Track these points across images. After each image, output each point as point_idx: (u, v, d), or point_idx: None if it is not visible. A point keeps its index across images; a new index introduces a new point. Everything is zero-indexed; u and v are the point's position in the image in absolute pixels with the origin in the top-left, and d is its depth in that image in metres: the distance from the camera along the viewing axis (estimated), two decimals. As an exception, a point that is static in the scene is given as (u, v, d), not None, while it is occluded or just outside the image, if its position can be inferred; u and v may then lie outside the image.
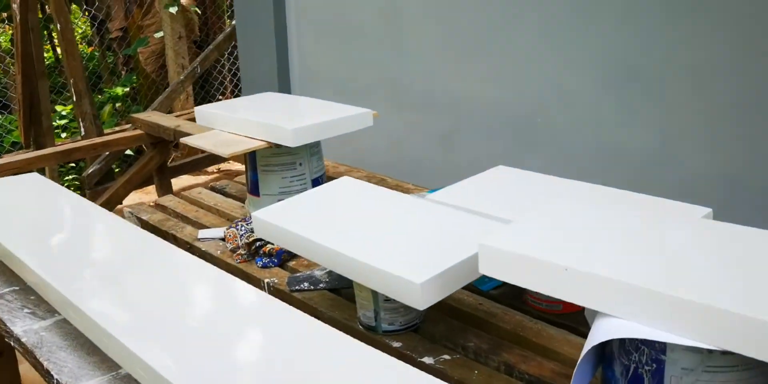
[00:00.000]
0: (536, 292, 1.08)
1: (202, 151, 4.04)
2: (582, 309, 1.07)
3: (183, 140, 1.49)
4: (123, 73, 6.06)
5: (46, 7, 4.17)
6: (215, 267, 1.09)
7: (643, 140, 1.70)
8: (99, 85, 5.65)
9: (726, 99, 1.55)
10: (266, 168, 1.48)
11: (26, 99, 3.31)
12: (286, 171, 1.48)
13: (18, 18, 3.01)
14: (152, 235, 1.23)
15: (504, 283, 1.19)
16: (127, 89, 5.60)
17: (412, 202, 1.11)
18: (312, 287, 1.22)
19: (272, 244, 1.35)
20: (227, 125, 1.50)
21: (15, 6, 2.97)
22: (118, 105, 5.48)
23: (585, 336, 0.75)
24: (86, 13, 5.31)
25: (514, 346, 1.01)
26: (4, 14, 4.89)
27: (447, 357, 1.00)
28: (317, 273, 1.25)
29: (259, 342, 0.86)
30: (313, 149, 1.50)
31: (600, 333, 0.67)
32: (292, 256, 1.36)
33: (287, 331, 0.86)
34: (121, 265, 1.11)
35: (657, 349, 0.67)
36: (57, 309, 1.03)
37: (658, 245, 0.74)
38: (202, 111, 1.55)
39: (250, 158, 1.51)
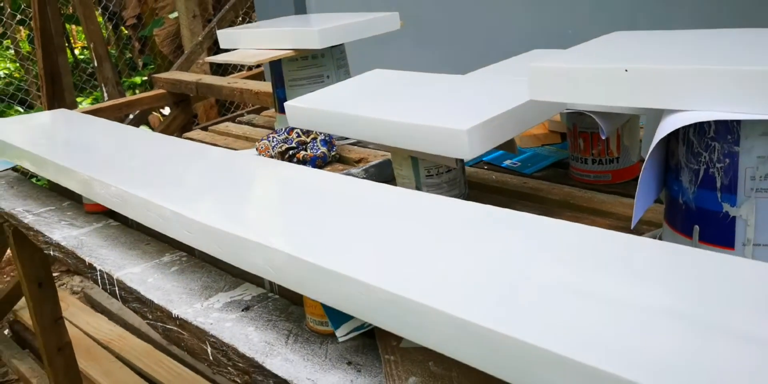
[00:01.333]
0: (582, 165, 1.04)
1: (227, 113, 4.03)
2: (634, 177, 1.03)
3: (208, 59, 1.47)
4: (140, 63, 6.09)
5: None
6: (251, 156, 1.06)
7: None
8: (120, 79, 5.69)
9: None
10: (293, 83, 1.45)
11: (47, 74, 3.32)
12: (314, 85, 1.45)
13: (34, -10, 3.01)
14: (193, 143, 1.20)
15: (547, 166, 1.16)
16: (145, 77, 5.63)
17: (448, 78, 1.07)
18: (350, 184, 1.19)
19: (305, 150, 1.33)
20: (251, 42, 1.47)
21: (30, -23, 2.97)
22: (138, 92, 5.51)
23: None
24: (101, 10, 5.33)
25: (565, 210, 0.97)
26: (19, 16, 4.92)
27: (496, 224, 0.96)
28: (353, 171, 1.22)
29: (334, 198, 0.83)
30: (339, 62, 1.47)
31: (667, 127, 0.63)
32: (326, 162, 1.33)
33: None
34: (170, 162, 1.07)
35: (730, 142, 0.62)
36: (106, 203, 0.99)
37: (704, 43, 0.70)
38: (224, 32, 1.53)
39: (277, 75, 1.48)
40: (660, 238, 0.75)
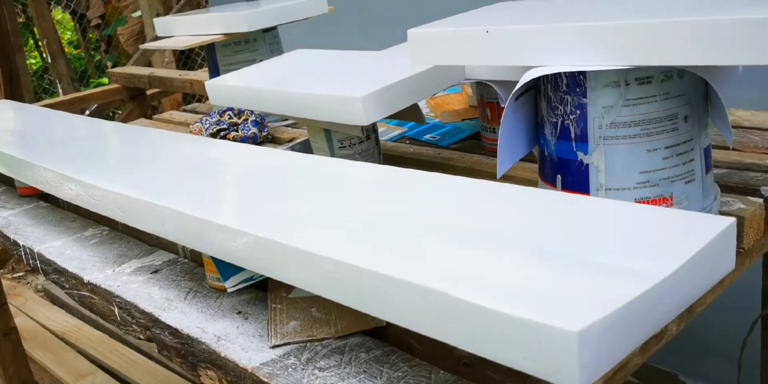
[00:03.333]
0: (491, 134, 1.10)
1: (184, 104, 4.04)
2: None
3: (142, 46, 1.50)
4: (109, 64, 6.08)
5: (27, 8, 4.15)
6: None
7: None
8: (86, 79, 5.69)
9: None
10: (228, 67, 1.49)
11: (5, 74, 3.32)
12: (247, 69, 1.49)
13: (-13, -11, 3.01)
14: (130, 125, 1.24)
15: (464, 139, 1.21)
16: (113, 76, 5.62)
17: (365, 54, 1.12)
18: (276, 161, 1.23)
19: (236, 131, 1.37)
20: (185, 29, 1.50)
21: (-17, -23, 2.98)
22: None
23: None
24: (70, 14, 5.32)
25: (468, 176, 1.02)
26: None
27: (404, 191, 1.01)
28: (279, 149, 1.26)
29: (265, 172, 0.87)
30: (273, 47, 1.51)
31: (522, 81, 0.68)
32: (257, 142, 1.37)
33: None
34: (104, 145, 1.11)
35: (579, 94, 0.68)
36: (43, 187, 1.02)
37: (570, 6, 0.75)
38: (160, 21, 1.56)
39: (212, 61, 1.52)
40: (536, 192, 0.80)
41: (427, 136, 1.24)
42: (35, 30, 5.91)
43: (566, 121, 0.69)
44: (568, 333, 0.35)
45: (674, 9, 0.63)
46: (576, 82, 0.67)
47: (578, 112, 0.68)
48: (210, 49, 1.50)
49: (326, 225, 0.61)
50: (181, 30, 1.52)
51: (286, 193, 0.73)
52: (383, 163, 1.10)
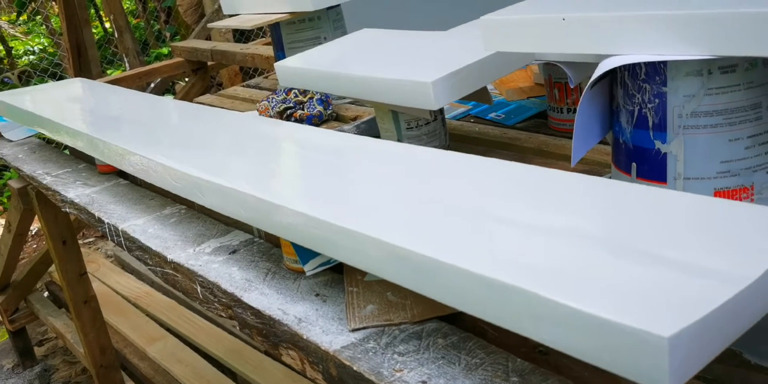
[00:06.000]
0: (558, 114, 1.09)
1: (247, 78, 4.10)
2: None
3: (210, 24, 1.53)
4: (167, 34, 6.18)
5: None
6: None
7: None
8: (147, 50, 5.80)
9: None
10: (292, 45, 1.51)
11: (73, 47, 3.42)
12: (311, 47, 1.49)
13: (54, -36, 3.08)
14: (198, 105, 1.27)
15: (529, 117, 1.20)
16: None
17: (430, 34, 1.12)
18: (342, 140, 1.25)
19: (302, 109, 1.39)
20: (251, 7, 1.52)
21: (50, -48, 3.04)
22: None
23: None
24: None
25: (536, 157, 1.02)
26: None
27: (471, 172, 1.02)
28: (345, 127, 1.28)
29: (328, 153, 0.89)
30: (336, 23, 1.51)
31: (599, 70, 0.67)
32: (322, 120, 1.40)
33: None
34: (179, 123, 1.14)
35: (658, 83, 0.67)
36: (118, 164, 1.06)
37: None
38: (226, -1, 1.58)
39: (277, 39, 1.53)
40: (609, 178, 0.80)
41: (492, 115, 1.24)
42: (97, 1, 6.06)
43: (644, 110, 0.69)
44: (658, 338, 0.36)
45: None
46: (656, 70, 0.66)
47: (657, 100, 0.67)
48: (274, 27, 1.51)
49: (404, 216, 0.63)
50: (246, 8, 1.54)
51: (361, 181, 0.74)
52: (449, 143, 1.11)
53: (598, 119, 0.74)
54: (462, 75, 0.90)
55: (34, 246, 3.55)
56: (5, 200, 3.95)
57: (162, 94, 3.80)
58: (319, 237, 0.64)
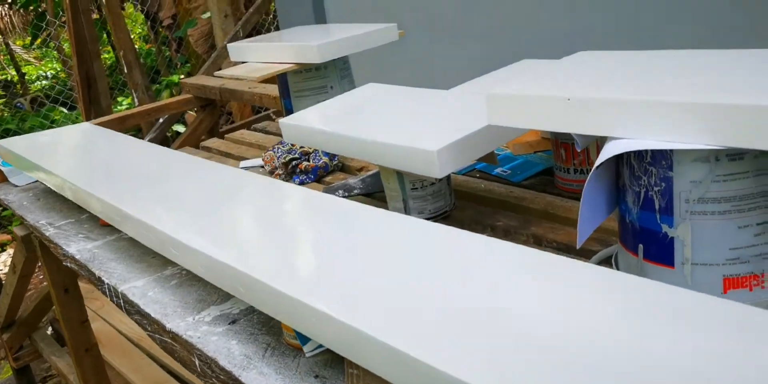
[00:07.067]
0: (565, 174, 1.08)
1: (255, 113, 4.12)
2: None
3: (217, 73, 1.53)
4: (178, 63, 6.24)
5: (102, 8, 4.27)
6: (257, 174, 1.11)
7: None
8: (158, 78, 5.86)
9: None
10: (299, 94, 1.51)
11: (83, 80, 3.45)
12: (318, 95, 1.50)
13: (68, 0, 3.13)
14: (209, 161, 1.26)
15: (536, 174, 1.19)
16: (183, 76, 5.77)
17: (433, 94, 1.11)
18: (347, 194, 1.24)
19: (308, 161, 1.38)
20: (258, 56, 1.53)
21: (63, -12, 3.09)
22: (174, 91, 5.66)
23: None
24: (140, 8, 5.49)
25: (543, 221, 1.01)
26: (65, 18, 5.10)
27: (476, 236, 1.00)
28: (351, 181, 1.27)
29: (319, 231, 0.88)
30: (343, 72, 1.52)
31: (605, 154, 0.66)
32: (328, 172, 1.39)
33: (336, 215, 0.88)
34: (178, 181, 1.12)
35: (664, 167, 0.65)
36: (121, 228, 1.06)
37: (658, 71, 0.72)
38: (234, 46, 1.59)
39: (284, 86, 1.54)
40: (615, 255, 0.78)
41: (499, 170, 1.23)
42: (108, 27, 6.13)
43: (650, 192, 0.67)
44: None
45: (762, 84, 0.61)
46: (662, 154, 0.65)
47: (663, 184, 0.66)
48: (281, 75, 1.51)
49: (399, 308, 0.61)
50: (254, 56, 1.54)
51: (356, 264, 0.72)
52: (454, 202, 1.10)
53: (604, 197, 0.73)
54: (467, 142, 0.89)
55: (41, 277, 3.55)
56: (12, 229, 3.95)
57: (172, 125, 3.81)
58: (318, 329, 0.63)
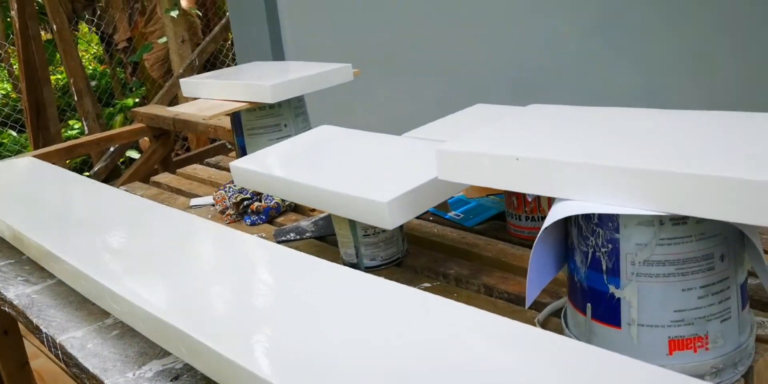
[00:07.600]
0: (516, 221, 1.08)
1: (209, 143, 4.07)
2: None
3: (170, 109, 1.51)
4: (134, 87, 6.16)
5: (53, 26, 4.21)
6: (206, 220, 1.09)
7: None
8: (112, 100, 5.76)
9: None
10: (252, 132, 1.49)
11: (32, 106, 3.37)
12: (271, 133, 1.49)
13: (17, 25, 3.06)
14: (149, 201, 1.22)
15: (489, 219, 1.19)
16: (137, 99, 5.69)
17: (385, 139, 1.11)
18: (298, 237, 1.23)
19: (260, 201, 1.36)
20: (211, 92, 1.51)
21: (14, 13, 3.03)
22: (128, 115, 5.57)
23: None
24: (94, 30, 5.42)
25: (495, 270, 1.00)
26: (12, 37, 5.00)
27: (427, 285, 1.00)
28: (303, 223, 1.26)
29: (259, 278, 0.86)
30: (297, 110, 1.51)
31: (553, 215, 0.66)
32: (280, 212, 1.37)
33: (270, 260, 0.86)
34: (116, 224, 1.10)
35: (611, 229, 0.66)
36: (57, 275, 1.03)
37: (606, 132, 0.73)
38: (186, 82, 1.57)
39: (237, 123, 1.52)
40: (565, 310, 0.78)
41: (452, 214, 1.23)
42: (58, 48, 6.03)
43: (597, 253, 0.68)
44: None
45: (710, 153, 0.62)
46: (609, 216, 0.66)
47: (610, 246, 0.66)
48: (235, 112, 1.50)
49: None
50: (207, 92, 1.52)
51: (313, 321, 0.71)
52: (407, 248, 1.09)
53: (553, 256, 0.73)
54: (419, 193, 0.89)
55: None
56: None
57: (124, 153, 3.74)
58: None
